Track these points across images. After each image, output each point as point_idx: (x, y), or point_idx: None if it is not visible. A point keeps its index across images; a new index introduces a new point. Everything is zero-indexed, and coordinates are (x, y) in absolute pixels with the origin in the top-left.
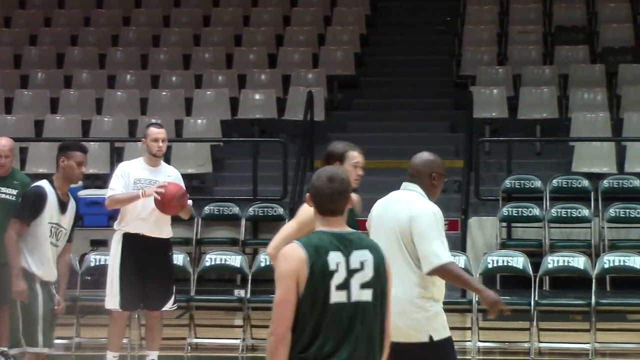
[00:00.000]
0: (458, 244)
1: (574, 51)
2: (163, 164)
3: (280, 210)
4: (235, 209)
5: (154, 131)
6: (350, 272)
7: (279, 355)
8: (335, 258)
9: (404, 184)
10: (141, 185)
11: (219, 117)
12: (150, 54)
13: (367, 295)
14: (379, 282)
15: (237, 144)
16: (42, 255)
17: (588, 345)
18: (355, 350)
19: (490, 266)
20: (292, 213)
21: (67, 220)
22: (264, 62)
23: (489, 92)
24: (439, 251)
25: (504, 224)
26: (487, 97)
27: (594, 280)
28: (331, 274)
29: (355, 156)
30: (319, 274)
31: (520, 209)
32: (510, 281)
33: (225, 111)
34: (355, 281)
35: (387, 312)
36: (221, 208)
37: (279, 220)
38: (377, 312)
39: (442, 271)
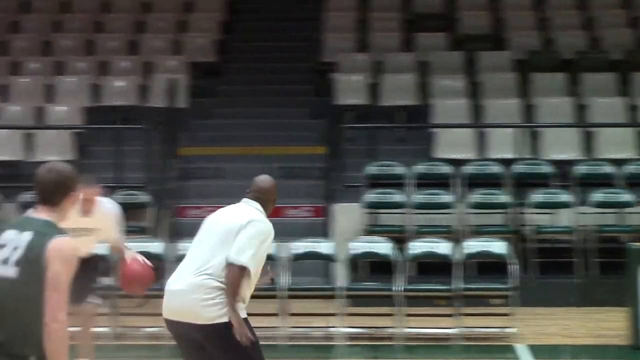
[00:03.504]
0: (323, 230)
1: (434, 38)
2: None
3: (144, 197)
4: None
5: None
6: (12, 251)
7: None
8: (6, 236)
9: (246, 200)
10: None
11: (81, 104)
12: (10, 40)
13: (11, 272)
14: (28, 260)
15: (100, 131)
16: None
17: (452, 330)
18: (2, 327)
19: (355, 252)
20: (156, 200)
21: None
22: (125, 49)
23: (350, 79)
24: (247, 254)
25: (369, 210)
26: (348, 83)
27: (457, 266)
28: None
29: None
30: None
31: (384, 195)
32: (376, 267)
33: (87, 98)
34: (11, 258)
35: (42, 298)
36: None
37: (142, 207)
38: (20, 288)
39: (230, 267)
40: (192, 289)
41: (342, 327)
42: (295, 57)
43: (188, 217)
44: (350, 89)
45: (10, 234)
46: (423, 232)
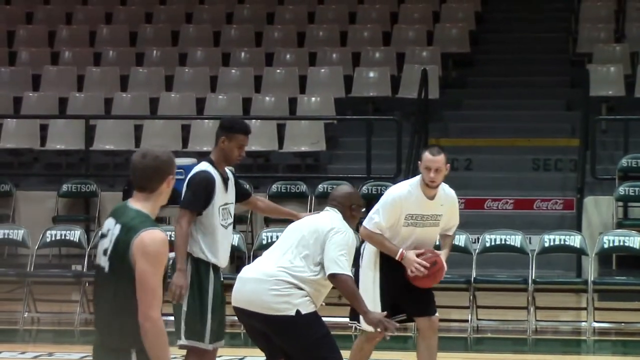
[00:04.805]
0: (573, 223)
1: None
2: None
3: None
4: None
5: (427, 158)
6: (108, 242)
7: None
8: (107, 225)
9: (327, 209)
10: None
11: (333, 95)
12: (264, 31)
13: (105, 264)
14: (116, 255)
15: (351, 122)
16: (215, 242)
17: None
18: (99, 313)
19: (606, 246)
20: None
21: (231, 196)
22: (378, 40)
23: (606, 70)
24: (343, 263)
25: (621, 204)
26: (604, 75)
27: None
28: (101, 237)
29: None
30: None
31: (637, 188)
32: (627, 261)
33: (339, 89)
34: (108, 250)
35: (133, 295)
36: (335, 186)
37: None
38: (112, 282)
39: (336, 280)
40: (264, 278)
41: (591, 322)
42: (549, 48)
43: None
44: (605, 80)
45: (109, 223)
46: None
